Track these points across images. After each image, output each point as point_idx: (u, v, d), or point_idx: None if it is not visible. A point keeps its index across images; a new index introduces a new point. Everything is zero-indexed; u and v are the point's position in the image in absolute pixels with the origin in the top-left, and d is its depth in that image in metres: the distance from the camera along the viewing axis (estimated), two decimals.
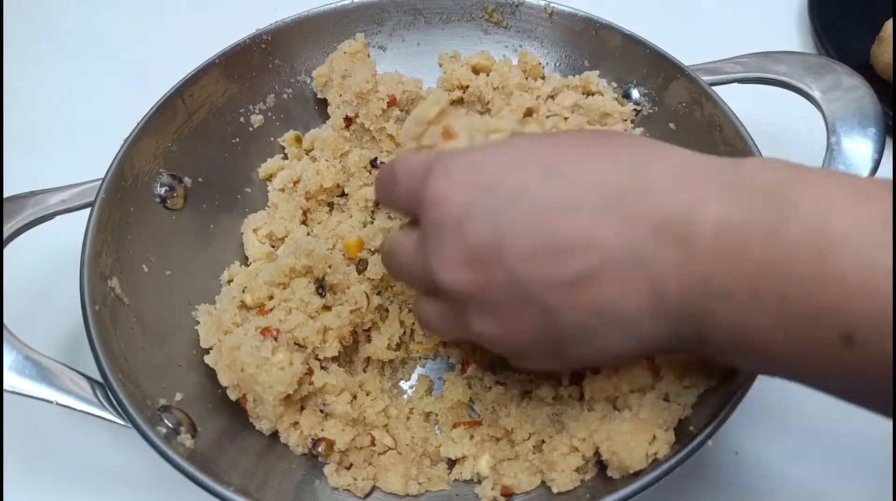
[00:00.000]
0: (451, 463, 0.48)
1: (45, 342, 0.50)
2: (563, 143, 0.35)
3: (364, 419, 0.48)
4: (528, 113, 0.59)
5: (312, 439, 0.46)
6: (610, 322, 0.33)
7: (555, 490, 0.43)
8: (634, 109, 0.58)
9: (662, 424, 0.41)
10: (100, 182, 0.49)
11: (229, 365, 0.44)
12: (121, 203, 0.49)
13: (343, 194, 0.59)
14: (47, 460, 0.52)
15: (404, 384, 0.52)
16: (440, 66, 0.62)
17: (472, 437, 0.47)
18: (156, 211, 0.52)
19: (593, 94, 0.59)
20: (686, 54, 0.56)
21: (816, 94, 0.52)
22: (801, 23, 0.76)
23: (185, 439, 0.43)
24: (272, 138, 0.60)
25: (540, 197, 0.32)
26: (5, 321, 0.45)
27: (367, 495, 0.46)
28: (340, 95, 0.57)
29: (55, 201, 0.49)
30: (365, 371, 0.51)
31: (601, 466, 0.43)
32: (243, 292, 0.49)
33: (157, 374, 0.46)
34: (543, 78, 0.61)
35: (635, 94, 0.58)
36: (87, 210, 0.48)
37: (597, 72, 0.59)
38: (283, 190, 0.58)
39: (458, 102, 0.61)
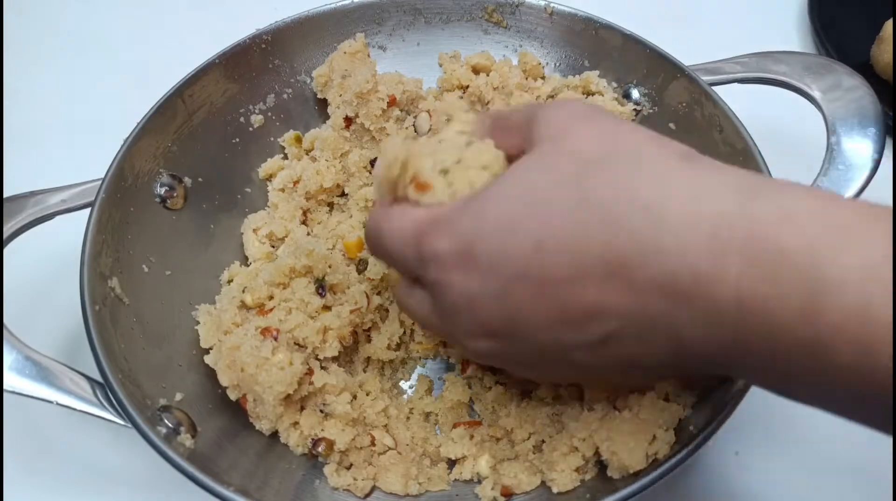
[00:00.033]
0: (451, 463, 0.48)
1: (45, 342, 0.50)
2: (546, 200, 0.32)
3: (364, 419, 0.48)
4: None
5: (312, 439, 0.46)
6: (638, 367, 0.34)
7: (555, 490, 0.43)
8: (634, 109, 0.58)
9: (662, 424, 0.41)
10: (100, 182, 0.49)
11: (229, 365, 0.44)
12: (121, 203, 0.49)
13: (343, 194, 0.59)
14: (47, 460, 0.52)
15: (404, 384, 0.52)
16: (440, 66, 0.62)
17: (472, 437, 0.47)
18: (156, 211, 0.52)
19: (593, 94, 0.59)
20: (686, 54, 0.56)
21: (816, 94, 0.52)
22: (801, 23, 0.76)
23: (185, 439, 0.43)
24: (272, 138, 0.60)
25: (540, 274, 0.32)
26: (5, 321, 0.45)
27: (367, 495, 0.46)
28: (340, 95, 0.57)
29: (55, 201, 0.49)
30: (365, 371, 0.51)
31: (601, 466, 0.43)
32: (243, 292, 0.49)
33: (157, 374, 0.46)
34: (543, 78, 0.61)
35: (635, 94, 0.58)
36: (87, 210, 0.48)
37: (597, 72, 0.59)
38: (283, 190, 0.58)
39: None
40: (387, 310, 0.52)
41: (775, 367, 0.28)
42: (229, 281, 0.53)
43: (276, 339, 0.45)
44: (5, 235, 0.47)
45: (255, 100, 0.59)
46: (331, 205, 0.59)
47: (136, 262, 0.49)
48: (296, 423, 0.46)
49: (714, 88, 0.53)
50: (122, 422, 0.42)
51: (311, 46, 0.60)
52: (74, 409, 0.43)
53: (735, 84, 0.54)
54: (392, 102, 0.56)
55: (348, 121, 0.57)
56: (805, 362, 0.27)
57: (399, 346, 0.52)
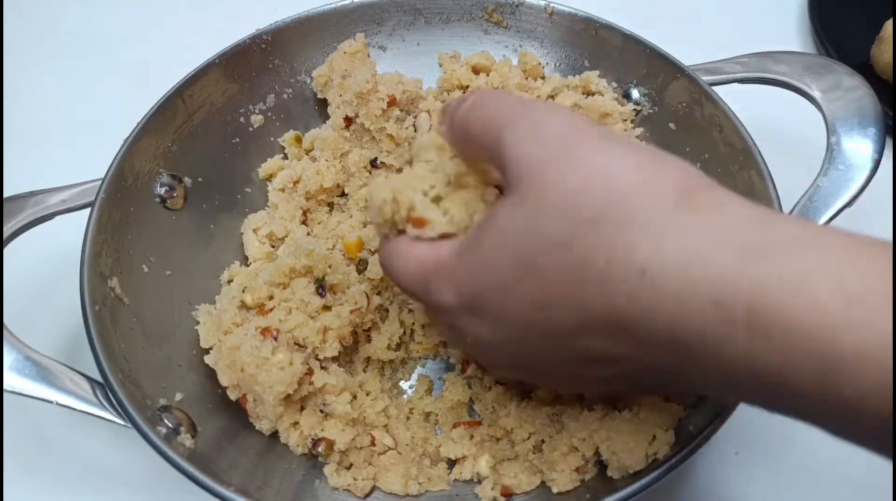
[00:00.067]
0: (451, 463, 0.48)
1: (45, 342, 0.50)
2: (542, 265, 0.31)
3: (364, 419, 0.48)
4: None
5: (312, 439, 0.46)
6: (651, 388, 0.38)
7: (555, 490, 0.43)
8: (634, 109, 0.58)
9: (662, 424, 0.41)
10: (100, 182, 0.49)
11: (229, 365, 0.44)
12: (121, 203, 0.49)
13: (343, 194, 0.59)
14: (47, 460, 0.52)
15: (404, 384, 0.52)
16: (440, 66, 0.62)
17: (472, 437, 0.47)
18: (156, 211, 0.52)
19: (593, 94, 0.59)
20: (686, 54, 0.56)
21: (816, 94, 0.52)
22: (801, 23, 0.76)
23: (185, 439, 0.43)
24: (272, 138, 0.60)
25: (546, 329, 0.32)
26: (5, 321, 0.45)
27: (367, 495, 0.46)
28: (340, 95, 0.57)
29: (55, 201, 0.49)
30: (365, 371, 0.51)
31: (601, 466, 0.43)
32: (243, 292, 0.49)
33: (157, 374, 0.46)
34: (543, 78, 0.61)
35: (635, 94, 0.58)
36: (87, 210, 0.48)
37: (597, 72, 0.59)
38: (283, 190, 0.58)
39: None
40: (387, 310, 0.52)
41: (786, 410, 0.29)
42: (229, 281, 0.53)
43: (276, 339, 0.45)
44: (5, 235, 0.47)
45: (255, 100, 0.59)
46: (331, 205, 0.59)
47: (136, 262, 0.49)
48: (296, 423, 0.46)
49: (714, 88, 0.53)
50: (122, 422, 0.42)
51: (311, 46, 0.60)
52: (74, 409, 0.43)
53: (735, 84, 0.54)
54: (392, 102, 0.56)
55: (348, 121, 0.57)
56: (819, 415, 0.27)
57: (399, 346, 0.52)
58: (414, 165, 0.39)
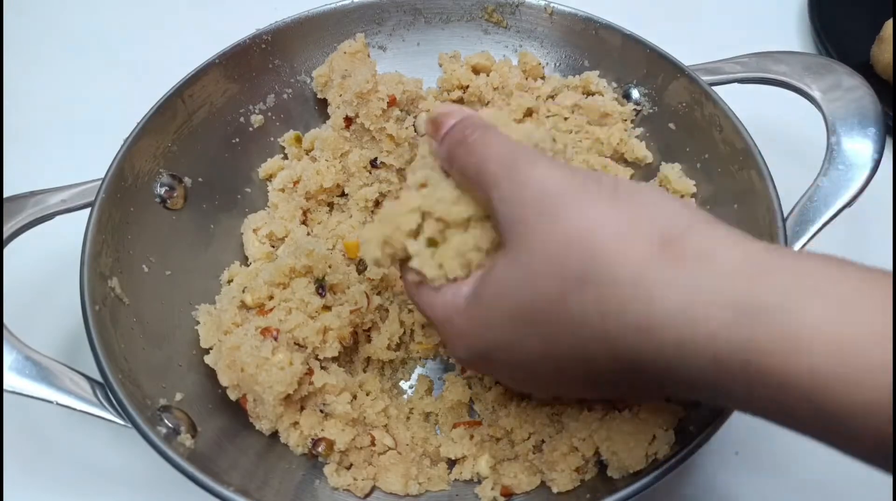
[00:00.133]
0: (451, 463, 0.48)
1: (45, 342, 0.50)
2: (541, 320, 0.32)
3: (364, 419, 0.48)
4: (529, 113, 0.59)
5: (312, 439, 0.46)
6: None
7: (555, 490, 0.43)
8: (634, 109, 0.58)
9: (662, 424, 0.41)
10: (100, 182, 0.49)
11: (229, 365, 0.44)
12: (121, 203, 0.49)
13: (343, 194, 0.59)
14: (47, 460, 0.52)
15: (404, 384, 0.52)
16: (440, 66, 0.62)
17: (472, 437, 0.47)
18: (156, 211, 0.52)
19: (593, 94, 0.59)
20: (686, 54, 0.56)
21: (816, 94, 0.52)
22: (801, 23, 0.76)
23: (185, 439, 0.43)
24: (272, 138, 0.60)
25: (556, 371, 0.34)
26: (5, 321, 0.45)
27: (367, 495, 0.46)
28: (340, 95, 0.57)
29: (55, 201, 0.49)
30: (365, 371, 0.51)
31: (601, 466, 0.43)
32: (243, 292, 0.49)
33: (157, 374, 0.46)
34: (543, 78, 0.61)
35: (635, 94, 0.58)
36: (87, 210, 0.48)
37: (597, 72, 0.59)
38: (283, 190, 0.58)
39: (459, 101, 0.61)
40: (387, 310, 0.52)
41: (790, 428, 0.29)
42: (229, 281, 0.53)
43: (276, 339, 0.45)
44: (5, 235, 0.47)
45: (255, 100, 0.59)
46: (331, 205, 0.59)
47: (136, 262, 0.49)
48: (296, 423, 0.46)
49: (714, 88, 0.53)
50: (122, 422, 0.42)
51: (311, 46, 0.60)
52: (74, 409, 0.43)
53: (735, 84, 0.54)
54: (392, 102, 0.56)
55: (348, 121, 0.57)
56: (818, 438, 0.28)
57: (399, 346, 0.52)
58: (402, 194, 0.38)
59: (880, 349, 0.24)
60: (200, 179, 0.55)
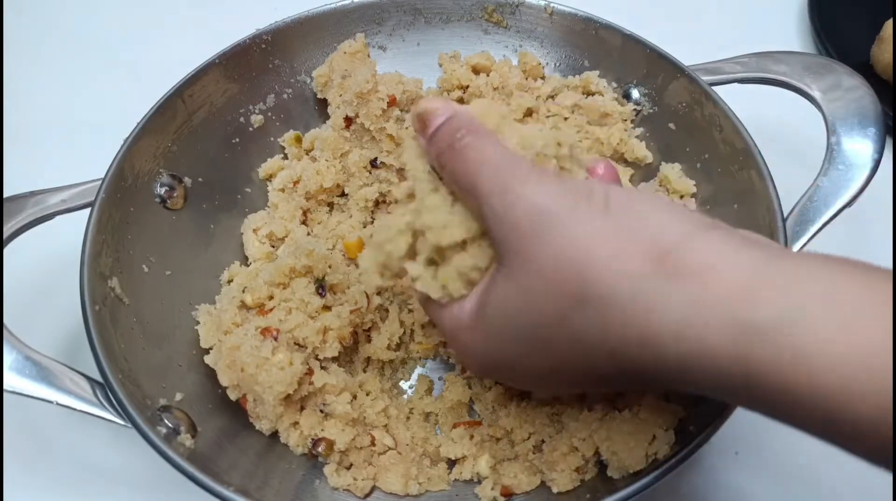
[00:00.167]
0: (451, 463, 0.48)
1: (45, 342, 0.50)
2: (543, 338, 0.32)
3: (364, 419, 0.48)
4: (529, 113, 0.59)
5: (312, 439, 0.46)
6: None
7: (555, 490, 0.43)
8: (634, 109, 0.58)
9: (662, 424, 0.41)
10: (100, 182, 0.49)
11: (229, 365, 0.44)
12: (121, 203, 0.49)
13: (343, 194, 0.59)
14: (47, 460, 0.52)
15: (404, 384, 0.52)
16: (440, 66, 0.62)
17: (472, 437, 0.47)
18: (156, 211, 0.52)
19: (593, 94, 0.59)
20: (686, 54, 0.56)
21: (816, 94, 0.52)
22: (801, 23, 0.76)
23: (185, 439, 0.43)
24: (272, 138, 0.60)
25: (562, 381, 0.35)
26: (5, 321, 0.45)
27: (367, 495, 0.46)
28: (340, 95, 0.57)
29: (55, 201, 0.49)
30: (365, 371, 0.51)
31: (601, 466, 0.43)
32: (243, 292, 0.49)
33: (157, 374, 0.46)
34: (543, 78, 0.61)
35: (635, 94, 0.58)
36: (87, 210, 0.48)
37: (597, 72, 0.59)
38: (283, 190, 0.58)
39: (459, 101, 0.61)
40: (387, 310, 0.52)
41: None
42: (229, 281, 0.53)
43: (276, 339, 0.45)
44: (5, 235, 0.47)
45: (255, 100, 0.59)
46: (331, 205, 0.59)
47: (136, 262, 0.49)
48: (296, 423, 0.46)
49: (714, 88, 0.53)
50: (122, 422, 0.42)
51: (311, 46, 0.60)
52: (74, 409, 0.43)
53: (735, 84, 0.54)
54: (392, 102, 0.56)
55: (348, 121, 0.57)
56: (822, 438, 0.28)
57: (399, 346, 0.52)
58: (393, 212, 0.37)
59: (881, 361, 0.25)
60: (200, 179, 0.55)
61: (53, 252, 0.56)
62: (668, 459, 0.39)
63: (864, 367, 0.25)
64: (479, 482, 0.46)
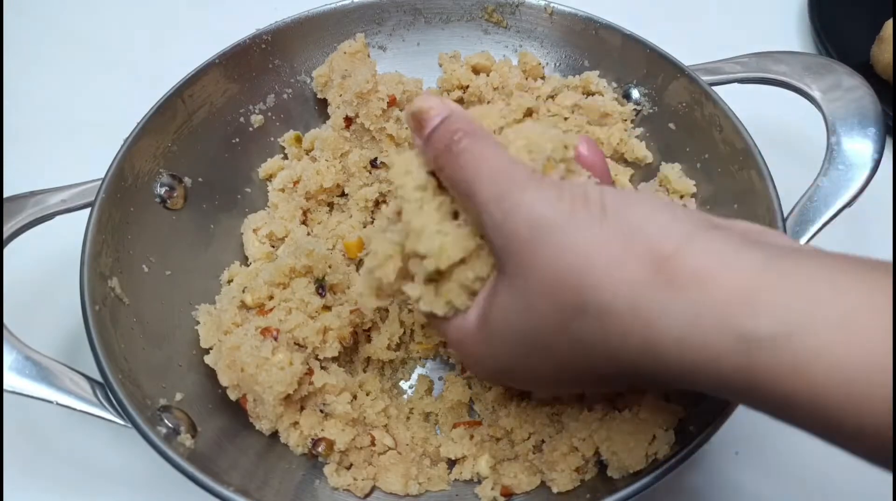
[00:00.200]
0: (451, 463, 0.48)
1: (45, 342, 0.50)
2: (544, 345, 0.32)
3: (364, 419, 0.48)
4: (529, 113, 0.59)
5: (312, 439, 0.46)
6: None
7: (555, 490, 0.43)
8: (634, 109, 0.58)
9: (662, 424, 0.41)
10: (100, 182, 0.49)
11: (229, 365, 0.44)
12: (121, 203, 0.49)
13: (343, 194, 0.59)
14: (47, 460, 0.52)
15: (404, 384, 0.52)
16: (440, 66, 0.62)
17: (472, 437, 0.47)
18: (156, 211, 0.52)
19: (593, 94, 0.59)
20: (686, 54, 0.56)
21: (816, 94, 0.52)
22: (801, 23, 0.76)
23: (185, 439, 0.43)
24: (272, 138, 0.60)
25: (568, 381, 0.35)
26: (5, 321, 0.45)
27: (367, 495, 0.46)
28: (340, 95, 0.57)
29: (55, 201, 0.49)
30: (365, 371, 0.51)
31: (601, 466, 0.43)
32: (243, 292, 0.49)
33: (157, 374, 0.46)
34: (543, 78, 0.61)
35: (635, 94, 0.58)
36: (87, 210, 0.48)
37: (597, 72, 0.59)
38: (283, 190, 0.58)
39: (459, 101, 0.61)
40: (387, 310, 0.52)
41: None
42: (229, 281, 0.53)
43: (276, 339, 0.45)
44: (5, 235, 0.47)
45: (255, 100, 0.59)
46: (331, 205, 0.59)
47: (136, 262, 0.49)
48: (296, 423, 0.46)
49: (714, 88, 0.53)
50: (122, 422, 0.42)
51: (311, 46, 0.60)
52: (74, 409, 0.43)
53: (735, 84, 0.54)
54: (392, 102, 0.56)
55: (348, 121, 0.57)
56: (823, 439, 0.28)
57: (399, 346, 0.52)
58: (380, 236, 0.36)
59: (881, 368, 0.25)
60: (200, 180, 0.55)
61: (53, 252, 0.56)
62: (668, 459, 0.39)
63: (864, 371, 0.25)
64: (479, 482, 0.46)
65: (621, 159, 0.58)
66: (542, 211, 0.30)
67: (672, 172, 0.55)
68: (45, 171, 0.64)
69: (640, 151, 0.57)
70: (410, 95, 0.57)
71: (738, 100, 0.53)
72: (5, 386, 0.42)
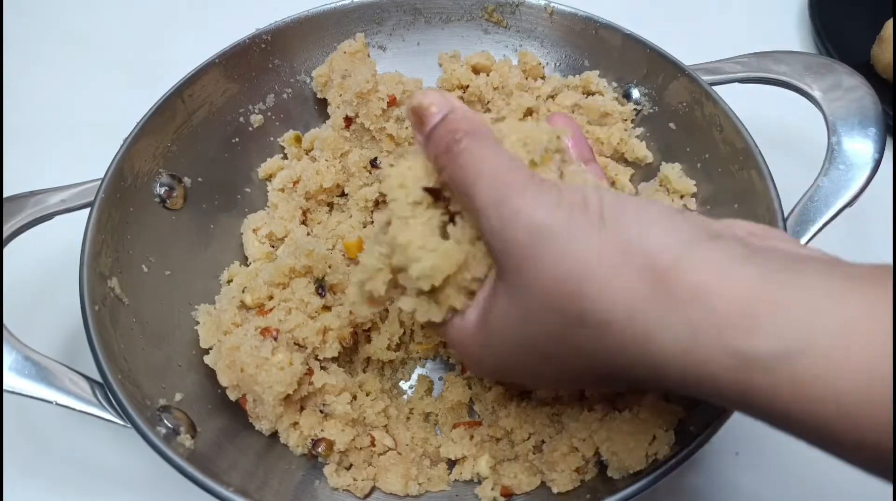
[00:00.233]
0: (451, 464, 0.48)
1: (45, 342, 0.50)
2: (544, 353, 0.33)
3: (364, 419, 0.48)
4: (529, 113, 0.59)
5: (312, 439, 0.46)
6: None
7: (555, 491, 0.43)
8: (634, 109, 0.58)
9: (662, 424, 0.41)
10: (100, 182, 0.49)
11: (229, 365, 0.44)
12: (120, 203, 0.49)
13: (343, 194, 0.59)
14: (47, 460, 0.52)
15: (404, 385, 0.52)
16: (440, 66, 0.62)
17: (472, 437, 0.47)
18: (155, 211, 0.52)
19: (593, 94, 0.59)
20: (686, 54, 0.55)
21: (817, 94, 0.52)
22: (801, 23, 0.76)
23: (185, 439, 0.43)
24: (272, 138, 0.60)
25: (569, 381, 0.37)
26: (5, 321, 0.45)
27: (367, 495, 0.46)
28: (340, 95, 0.57)
29: (55, 201, 0.49)
30: (365, 372, 0.51)
31: (601, 466, 0.43)
32: (243, 292, 0.49)
33: (156, 374, 0.46)
34: (543, 78, 0.61)
35: (635, 94, 0.58)
36: (87, 210, 0.48)
37: (597, 72, 0.59)
38: (282, 190, 0.58)
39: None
40: (387, 310, 0.52)
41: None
42: (229, 281, 0.53)
43: (275, 339, 0.45)
44: (5, 235, 0.47)
45: (255, 100, 0.59)
46: (331, 205, 0.59)
47: (135, 262, 0.49)
48: (296, 423, 0.46)
49: (714, 87, 0.53)
50: (121, 422, 0.42)
51: (311, 46, 0.60)
52: (74, 409, 0.43)
53: (735, 84, 0.54)
54: (392, 102, 0.56)
55: (348, 121, 0.57)
56: (821, 449, 0.28)
57: (399, 346, 0.52)
58: (370, 246, 0.36)
59: (880, 378, 0.25)
60: (200, 179, 0.55)
61: (53, 252, 0.56)
62: (668, 459, 0.39)
63: (864, 383, 0.25)
64: (479, 482, 0.46)
65: (621, 159, 0.58)
66: (541, 218, 0.30)
67: (672, 172, 0.55)
68: (44, 171, 0.64)
69: (641, 150, 0.57)
70: (410, 95, 0.57)
71: (739, 100, 0.53)
72: (5, 386, 0.42)
